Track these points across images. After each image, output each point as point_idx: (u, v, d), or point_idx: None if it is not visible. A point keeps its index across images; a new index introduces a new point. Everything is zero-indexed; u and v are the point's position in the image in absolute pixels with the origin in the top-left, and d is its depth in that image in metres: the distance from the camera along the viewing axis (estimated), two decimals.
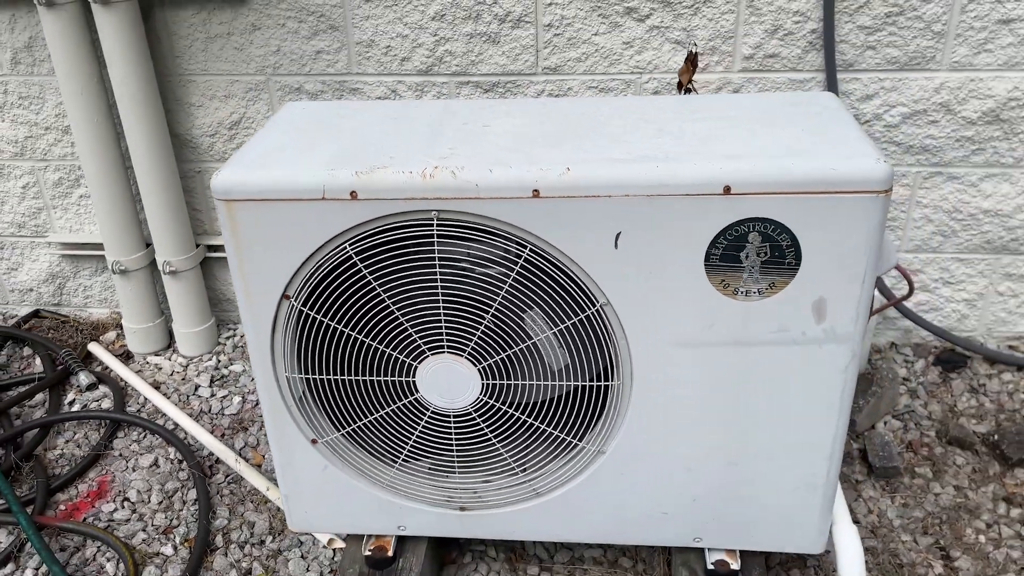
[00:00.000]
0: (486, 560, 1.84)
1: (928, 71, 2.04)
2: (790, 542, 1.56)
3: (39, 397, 2.40)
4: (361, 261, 1.36)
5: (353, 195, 1.30)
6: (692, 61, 1.72)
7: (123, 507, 2.06)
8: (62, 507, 2.06)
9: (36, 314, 2.69)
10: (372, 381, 1.47)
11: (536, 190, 1.27)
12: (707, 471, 1.49)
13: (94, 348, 2.53)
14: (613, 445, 1.48)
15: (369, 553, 1.64)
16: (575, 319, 1.37)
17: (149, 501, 2.07)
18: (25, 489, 2.10)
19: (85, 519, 2.03)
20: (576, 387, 1.45)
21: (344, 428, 1.53)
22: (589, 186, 1.26)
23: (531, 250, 1.32)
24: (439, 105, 1.57)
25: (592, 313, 1.36)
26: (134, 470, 2.15)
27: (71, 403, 2.37)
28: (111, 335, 2.63)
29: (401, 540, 1.69)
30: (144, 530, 2.00)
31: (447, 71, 2.17)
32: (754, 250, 1.28)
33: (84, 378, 2.39)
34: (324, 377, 1.48)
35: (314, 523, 1.66)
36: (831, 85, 2.04)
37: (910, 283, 1.83)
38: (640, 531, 1.58)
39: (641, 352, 1.38)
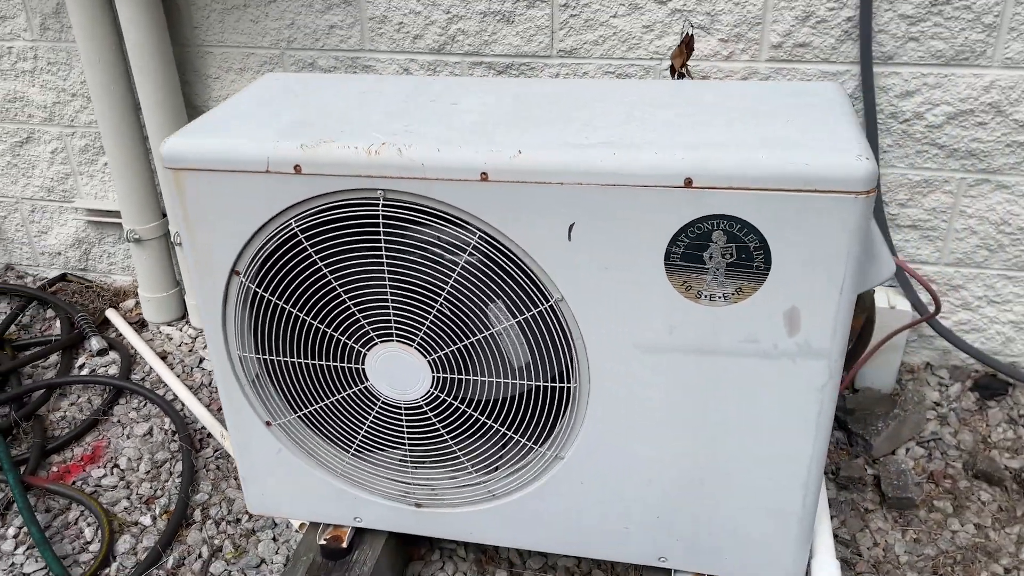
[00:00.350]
0: (455, 559, 1.77)
1: (977, 67, 1.85)
2: (763, 571, 1.43)
3: (53, 359, 2.44)
4: (307, 240, 1.30)
5: (297, 169, 1.24)
6: (688, 44, 1.60)
7: (112, 474, 2.07)
8: (55, 469, 2.09)
9: (63, 278, 2.74)
10: (321, 366, 1.42)
11: (484, 173, 1.18)
12: (672, 487, 1.38)
13: (111, 314, 2.56)
14: (571, 451, 1.38)
15: (324, 542, 1.59)
16: (527, 314, 1.28)
17: (138, 470, 2.07)
18: (24, 448, 2.13)
19: (74, 482, 2.04)
20: (534, 387, 1.36)
21: (297, 412, 1.47)
22: (540, 171, 1.17)
23: (480, 237, 1.24)
24: (414, 81, 1.50)
25: (545, 309, 1.27)
26: (128, 438, 2.16)
27: (81, 367, 2.41)
28: (130, 303, 2.66)
29: (360, 531, 1.63)
30: (128, 498, 2.00)
31: (460, 51, 2.09)
32: (718, 251, 1.16)
33: (96, 343, 2.42)
34: (275, 358, 1.43)
35: (271, 507, 1.61)
36: (866, 79, 1.88)
37: (936, 300, 1.67)
38: (601, 545, 1.48)
39: (599, 354, 1.28)
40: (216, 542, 1.87)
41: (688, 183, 1.13)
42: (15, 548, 1.89)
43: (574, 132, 1.22)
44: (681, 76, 1.63)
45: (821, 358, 1.21)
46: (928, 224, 2.03)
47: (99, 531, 1.90)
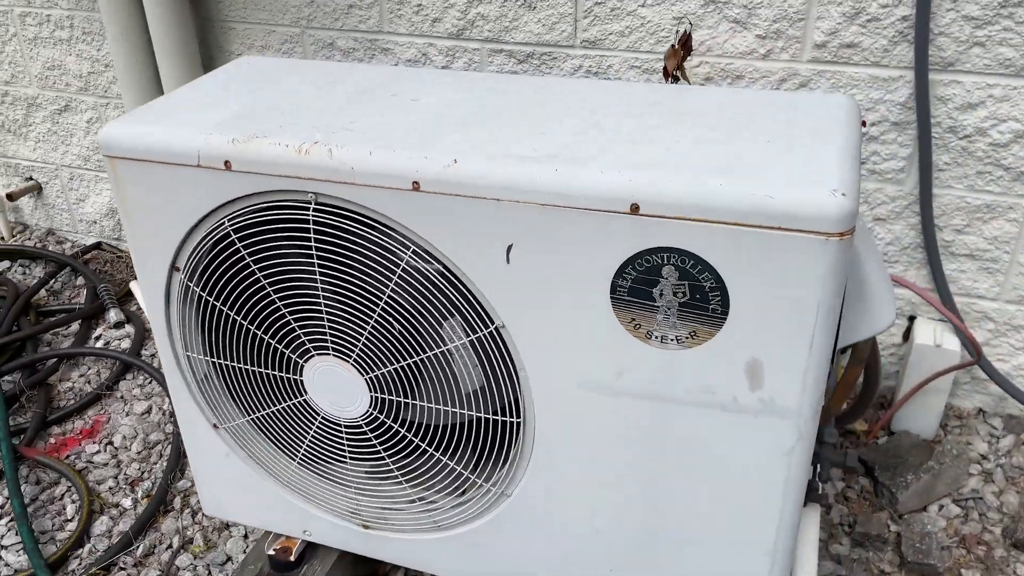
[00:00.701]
0: None
1: None
2: None
3: (74, 327, 2.46)
4: (240, 241, 1.21)
5: (227, 165, 1.15)
6: (684, 44, 1.42)
7: (105, 451, 2.06)
8: (53, 440, 2.09)
9: (98, 246, 2.77)
10: (262, 373, 1.33)
11: (416, 182, 1.06)
12: (623, 540, 1.23)
13: (134, 287, 2.56)
14: (518, 490, 1.26)
15: (272, 553, 1.52)
16: (465, 340, 1.16)
17: (130, 449, 2.05)
18: (29, 416, 2.14)
19: (68, 456, 2.04)
20: (478, 418, 1.24)
21: (242, 417, 1.40)
22: (475, 185, 1.04)
23: (414, 252, 1.12)
24: (390, 72, 1.38)
25: (485, 336, 1.14)
26: (127, 415, 2.15)
27: (97, 338, 2.42)
28: None
29: (312, 545, 1.55)
30: (116, 478, 1.98)
31: (479, 36, 1.96)
32: (669, 288, 1.01)
33: (114, 315, 2.42)
34: (219, 361, 1.35)
35: (223, 509, 1.55)
36: (921, 87, 1.65)
37: (976, 348, 1.46)
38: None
39: (543, 391, 1.15)
40: (188, 533, 1.83)
41: (634, 209, 0.98)
42: None
43: (524, 140, 1.09)
44: (676, 79, 1.45)
45: (788, 418, 1.05)
46: (988, 255, 1.79)
47: (80, 510, 1.89)
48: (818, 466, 1.36)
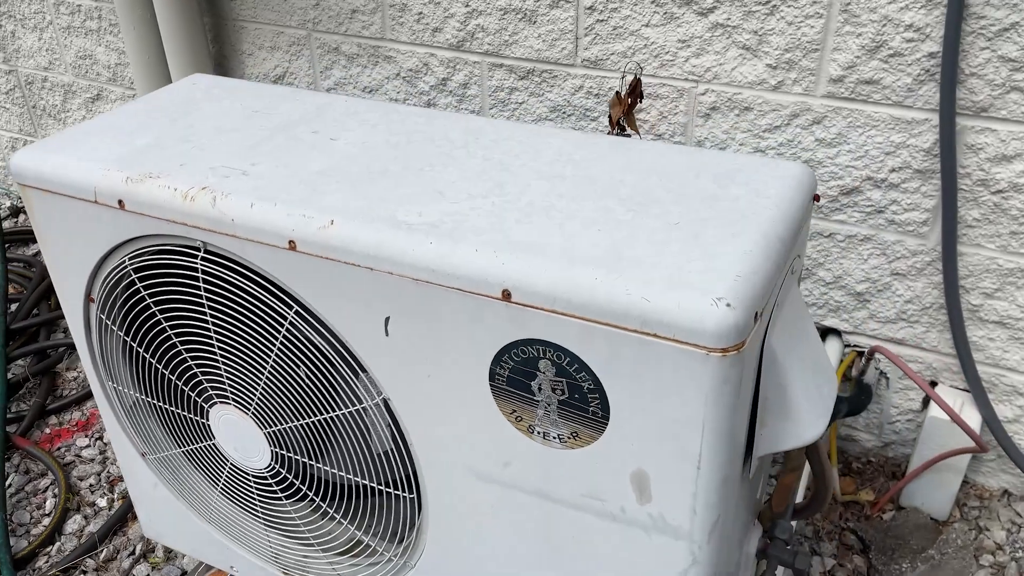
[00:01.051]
0: None
1: None
2: None
3: None
4: (140, 281, 1.15)
5: (121, 204, 1.09)
6: (633, 91, 1.26)
7: (94, 446, 2.08)
8: (48, 430, 2.13)
9: None
10: (174, 412, 1.28)
11: (292, 241, 0.98)
12: None
13: None
14: (419, 561, 1.17)
15: None
16: (349, 409, 1.07)
17: None
18: (31, 404, 2.19)
19: (60, 448, 2.08)
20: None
21: (163, 451, 1.36)
22: (349, 250, 0.95)
23: (297, 312, 1.04)
24: (324, 101, 1.29)
25: (371, 406, 1.05)
26: None
27: None
28: None
29: None
30: (98, 475, 2.00)
31: (479, 49, 1.85)
32: (547, 383, 0.90)
33: None
34: (135, 395, 1.31)
35: (159, 535, 1.53)
36: (946, 134, 1.45)
37: (980, 445, 1.28)
38: None
39: (432, 471, 1.06)
40: (152, 542, 1.82)
41: (506, 296, 0.87)
42: None
43: (416, 202, 0.98)
44: (622, 130, 1.30)
45: (680, 538, 0.92)
46: (1021, 323, 1.58)
47: (57, 506, 1.92)
48: (763, 563, 1.22)
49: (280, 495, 1.25)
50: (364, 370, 1.03)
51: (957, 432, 1.61)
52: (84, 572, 1.78)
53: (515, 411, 0.94)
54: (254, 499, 1.29)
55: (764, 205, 0.93)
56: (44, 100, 2.71)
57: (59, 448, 2.07)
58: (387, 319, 0.97)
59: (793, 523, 1.42)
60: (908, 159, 1.54)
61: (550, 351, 0.87)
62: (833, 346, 1.76)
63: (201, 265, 1.07)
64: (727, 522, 0.95)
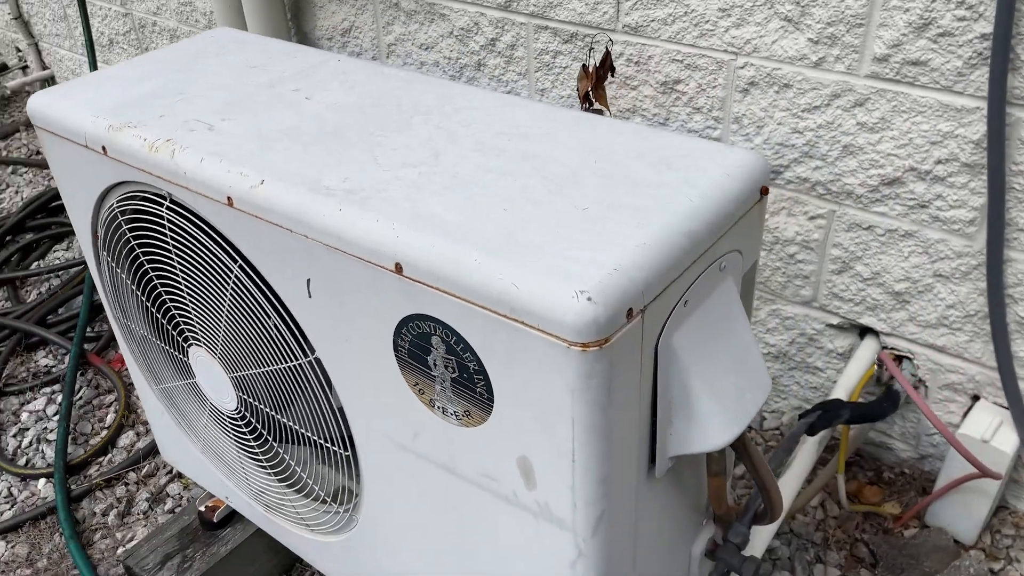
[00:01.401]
0: None
1: None
2: None
3: None
4: (126, 223, 1.22)
5: (104, 150, 1.16)
6: (604, 63, 1.18)
7: None
8: (118, 352, 2.31)
9: None
10: (164, 349, 1.36)
11: (230, 197, 1.01)
12: None
13: None
14: (361, 517, 1.20)
15: (201, 510, 1.59)
16: (286, 365, 1.10)
17: None
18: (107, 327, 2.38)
19: (126, 369, 2.25)
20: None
21: (163, 384, 1.45)
22: (273, 211, 0.97)
23: (240, 267, 1.07)
24: (316, 61, 1.30)
25: (304, 364, 1.08)
26: None
27: None
28: None
29: (236, 511, 1.59)
30: None
31: (525, 10, 1.81)
32: (440, 360, 0.89)
33: None
34: (134, 327, 1.40)
35: (171, 459, 1.64)
36: (994, 124, 1.31)
37: (983, 472, 1.18)
38: None
39: (362, 433, 1.08)
40: None
41: (398, 269, 0.86)
42: (55, 413, 2.14)
43: (349, 167, 0.99)
44: (590, 105, 1.23)
45: (565, 529, 0.90)
46: None
47: (115, 421, 2.09)
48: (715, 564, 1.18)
49: (249, 438, 1.31)
50: (299, 327, 1.06)
51: (988, 451, 1.47)
52: (126, 484, 1.94)
53: (418, 384, 0.94)
54: (231, 438, 1.36)
55: (687, 196, 0.88)
56: (154, 43, 2.88)
57: (126, 369, 2.25)
58: (308, 281, 0.98)
59: (771, 527, 1.35)
60: (956, 151, 1.40)
61: (439, 328, 0.87)
62: (868, 347, 1.64)
63: (166, 214, 1.13)
64: (624, 520, 0.92)
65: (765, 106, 1.57)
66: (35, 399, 2.20)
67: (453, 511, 1.02)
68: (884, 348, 1.64)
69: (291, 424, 1.20)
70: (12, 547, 1.84)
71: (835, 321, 1.68)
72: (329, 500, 1.24)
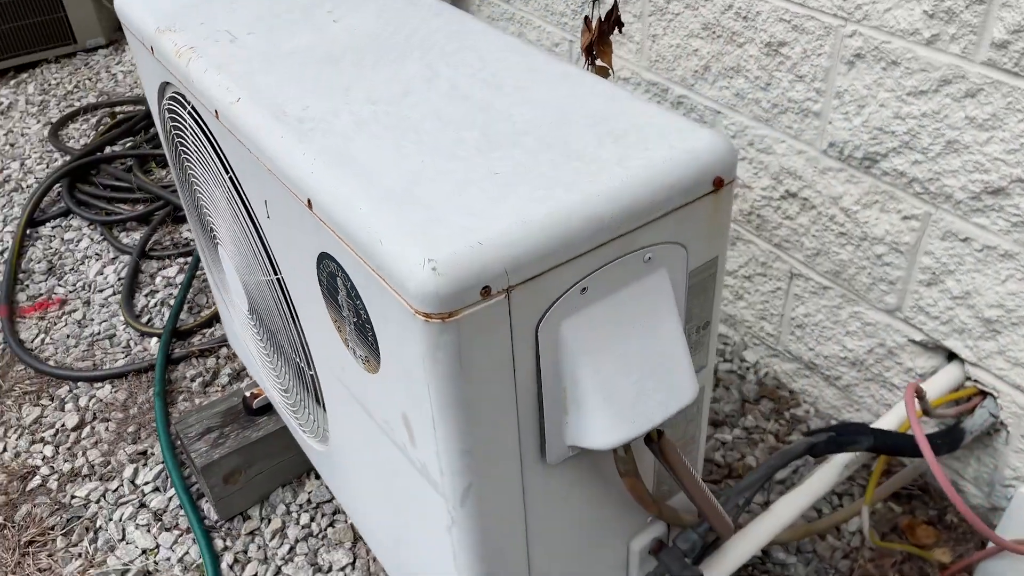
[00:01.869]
0: None
1: None
2: None
3: None
4: (171, 121, 1.31)
5: (152, 50, 1.24)
6: (609, 17, 1.04)
7: None
8: None
9: None
10: (205, 243, 1.45)
11: (216, 110, 1.05)
12: (392, 521, 1.18)
13: None
14: (329, 433, 1.25)
15: (245, 395, 1.71)
16: (263, 279, 1.14)
17: None
18: None
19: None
20: None
21: (216, 273, 1.56)
22: (239, 129, 1.00)
23: (231, 178, 1.12)
24: None
25: (274, 280, 1.12)
26: None
27: None
28: None
29: None
30: None
31: None
32: (345, 302, 0.89)
33: None
34: (196, 214, 1.50)
35: (234, 346, 1.77)
36: None
37: (1002, 545, 1.03)
38: (374, 542, 1.34)
39: (316, 351, 1.11)
40: None
41: (309, 205, 0.87)
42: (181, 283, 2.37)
43: (317, 95, 0.99)
44: (593, 62, 1.10)
45: (439, 493, 0.89)
46: None
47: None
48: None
49: (261, 343, 1.38)
50: (270, 246, 1.09)
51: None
52: (217, 357, 2.12)
53: (336, 320, 0.95)
54: (251, 337, 1.45)
55: (611, 175, 0.80)
56: None
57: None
58: (266, 201, 1.01)
59: (748, 548, 1.26)
60: None
61: (339, 271, 0.86)
62: (949, 373, 1.44)
63: (187, 119, 1.19)
64: (505, 500, 0.89)
65: (869, 83, 1.38)
66: (170, 266, 2.44)
67: (374, 448, 1.04)
68: (968, 379, 1.44)
69: (278, 337, 1.25)
70: (115, 392, 2.09)
71: (918, 337, 1.49)
72: (310, 408, 1.29)
